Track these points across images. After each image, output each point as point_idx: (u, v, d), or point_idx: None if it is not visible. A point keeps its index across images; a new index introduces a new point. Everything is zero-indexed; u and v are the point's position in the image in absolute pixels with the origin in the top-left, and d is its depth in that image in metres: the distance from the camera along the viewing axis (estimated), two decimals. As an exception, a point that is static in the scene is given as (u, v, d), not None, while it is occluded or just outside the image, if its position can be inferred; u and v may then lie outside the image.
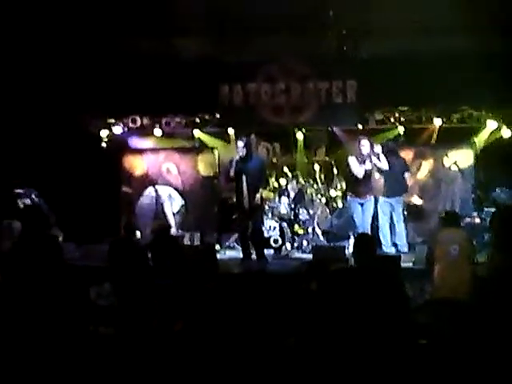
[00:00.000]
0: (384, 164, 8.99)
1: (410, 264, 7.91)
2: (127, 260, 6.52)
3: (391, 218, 9.35)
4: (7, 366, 4.33)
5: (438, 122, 10.77)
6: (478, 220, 9.41)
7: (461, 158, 10.67)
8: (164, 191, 11.06)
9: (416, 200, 10.63)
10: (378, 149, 9.05)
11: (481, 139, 10.79)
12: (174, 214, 10.84)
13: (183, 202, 11.02)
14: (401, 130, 10.93)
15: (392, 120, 10.97)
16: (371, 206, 9.20)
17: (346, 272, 4.05)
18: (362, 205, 9.18)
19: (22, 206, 8.82)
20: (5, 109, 9.79)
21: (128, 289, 6.19)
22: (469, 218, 9.41)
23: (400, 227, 9.33)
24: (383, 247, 9.13)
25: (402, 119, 10.94)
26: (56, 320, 4.52)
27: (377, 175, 9.17)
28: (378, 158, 8.99)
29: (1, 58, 9.32)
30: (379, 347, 3.28)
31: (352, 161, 9.14)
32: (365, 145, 9.05)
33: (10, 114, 9.94)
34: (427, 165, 10.91)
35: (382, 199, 9.29)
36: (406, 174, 9.46)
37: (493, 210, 8.28)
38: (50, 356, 4.40)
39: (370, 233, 8.83)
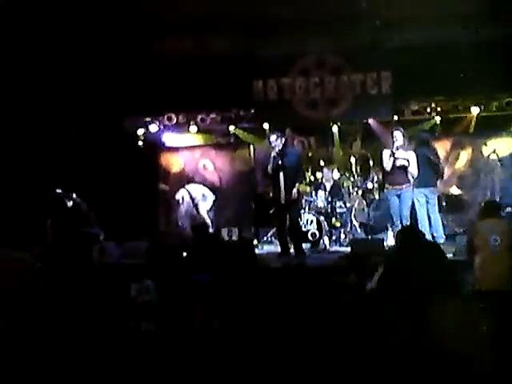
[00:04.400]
0: (409, 156, 8.76)
1: (451, 255, 7.76)
2: (167, 257, 6.60)
3: (427, 209, 9.17)
4: (50, 364, 4.43)
5: (475, 110, 10.59)
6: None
7: (500, 147, 10.46)
8: (197, 191, 10.37)
9: (455, 190, 10.48)
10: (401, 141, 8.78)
11: (521, 126, 10.60)
12: (207, 212, 10.35)
13: (214, 197, 10.38)
14: (437, 120, 10.81)
15: (428, 110, 10.84)
16: (409, 197, 8.81)
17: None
18: (399, 196, 8.92)
19: (63, 205, 8.98)
20: (43, 109, 9.96)
21: (167, 285, 6.27)
22: (510, 208, 9.23)
23: (435, 218, 9.12)
24: (422, 238, 8.99)
25: (438, 109, 10.81)
26: (96, 316, 4.61)
27: (411, 167, 8.91)
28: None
29: (38, 58, 9.48)
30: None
31: (385, 153, 8.94)
32: (397, 136, 8.80)
33: (49, 114, 10.11)
34: (465, 154, 10.75)
35: (416, 190, 9.04)
36: (439, 164, 9.20)
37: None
38: (92, 352, 4.49)
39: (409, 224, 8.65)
